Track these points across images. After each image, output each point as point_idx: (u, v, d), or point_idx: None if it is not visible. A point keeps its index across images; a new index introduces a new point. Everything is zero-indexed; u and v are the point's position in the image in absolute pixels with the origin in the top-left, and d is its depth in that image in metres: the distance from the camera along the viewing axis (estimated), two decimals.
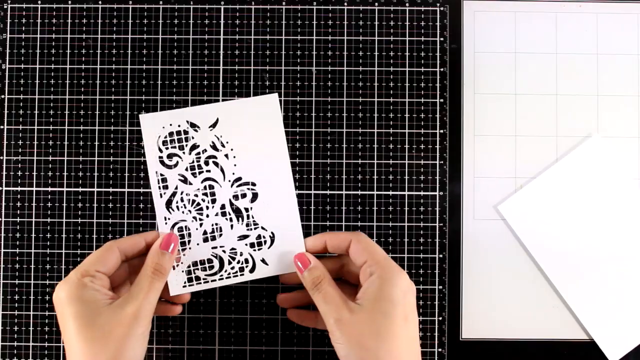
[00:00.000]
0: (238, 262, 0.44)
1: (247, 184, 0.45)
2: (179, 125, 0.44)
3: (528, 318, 0.49)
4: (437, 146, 0.50)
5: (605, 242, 0.49)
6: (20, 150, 0.50)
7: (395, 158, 0.50)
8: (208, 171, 0.44)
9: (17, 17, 0.50)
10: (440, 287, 0.50)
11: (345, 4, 0.51)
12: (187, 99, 0.50)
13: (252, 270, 0.44)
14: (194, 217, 0.44)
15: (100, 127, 0.50)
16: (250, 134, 0.45)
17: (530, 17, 0.51)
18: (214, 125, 0.44)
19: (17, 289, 0.50)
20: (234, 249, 0.44)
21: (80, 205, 0.50)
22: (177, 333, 0.49)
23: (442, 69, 0.51)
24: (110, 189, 0.50)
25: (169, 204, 0.44)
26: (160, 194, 0.44)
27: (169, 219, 0.44)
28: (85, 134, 0.50)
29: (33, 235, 0.50)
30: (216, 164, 0.45)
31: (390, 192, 0.50)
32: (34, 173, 0.50)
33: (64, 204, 0.50)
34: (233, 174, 0.45)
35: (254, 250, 0.45)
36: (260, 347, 0.49)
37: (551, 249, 0.49)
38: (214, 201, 0.44)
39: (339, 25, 0.51)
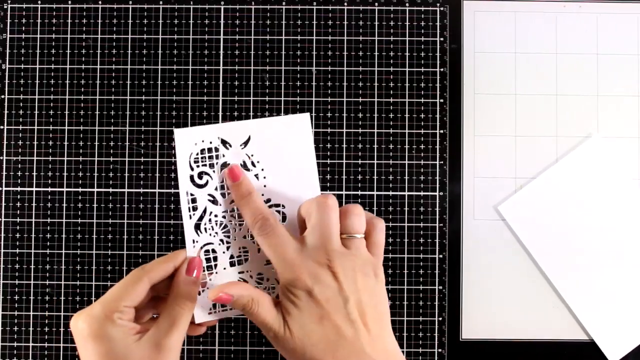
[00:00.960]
0: (265, 288, 0.42)
1: (275, 205, 0.43)
2: (210, 142, 0.42)
3: (528, 318, 0.49)
4: (437, 146, 0.50)
5: (605, 242, 0.49)
6: (20, 150, 0.50)
7: (395, 158, 0.50)
8: None
9: (17, 17, 0.50)
10: (440, 287, 0.50)
11: (345, 4, 0.51)
12: (187, 99, 0.50)
13: (278, 296, 0.42)
14: (221, 240, 0.42)
15: (100, 127, 0.50)
16: (280, 154, 0.43)
17: (530, 17, 0.51)
18: (245, 144, 0.42)
19: (17, 289, 0.50)
20: (261, 273, 0.42)
21: (80, 205, 0.50)
22: None
23: (442, 69, 0.51)
24: (110, 189, 0.50)
25: (197, 225, 0.42)
26: (190, 215, 0.42)
27: (197, 241, 0.42)
28: (85, 134, 0.50)
29: (33, 235, 0.50)
30: None
31: (390, 192, 0.50)
32: (34, 173, 0.50)
33: (64, 204, 0.50)
34: (262, 195, 0.42)
35: None
36: (260, 347, 0.49)
37: (551, 249, 0.49)
38: (241, 223, 0.42)
39: (339, 25, 0.51)
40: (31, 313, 0.49)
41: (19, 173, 0.50)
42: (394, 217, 0.50)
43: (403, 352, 0.49)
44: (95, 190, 0.50)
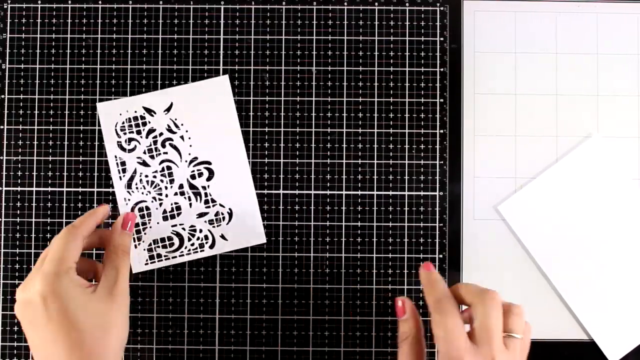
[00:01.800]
0: (198, 238, 0.47)
1: (203, 163, 0.47)
2: (135, 112, 0.47)
3: (528, 318, 0.49)
4: (437, 146, 0.50)
5: (605, 242, 0.49)
6: (20, 150, 0.50)
7: (395, 158, 0.50)
8: (165, 153, 0.47)
9: (17, 17, 0.50)
10: None
11: (345, 4, 0.51)
12: None
13: (212, 246, 0.47)
14: (154, 198, 0.47)
15: (100, 127, 0.50)
16: (203, 115, 0.47)
17: (530, 17, 0.51)
18: (168, 109, 0.47)
19: (17, 289, 0.49)
20: (193, 226, 0.47)
21: (80, 205, 0.50)
22: (177, 333, 0.49)
23: (442, 69, 0.51)
24: (110, 189, 0.50)
25: (129, 185, 0.47)
26: (120, 177, 0.47)
27: (129, 199, 0.47)
28: (85, 134, 0.50)
29: (33, 235, 0.50)
30: (173, 145, 0.47)
31: (390, 192, 0.50)
32: (34, 173, 0.50)
33: (64, 204, 0.50)
34: (189, 154, 0.47)
35: (213, 226, 0.47)
36: (260, 347, 0.49)
37: (551, 248, 0.49)
38: (172, 181, 0.47)
39: (339, 25, 0.51)
40: None
41: (19, 173, 0.50)
42: (394, 217, 0.50)
43: None
44: (95, 190, 0.50)
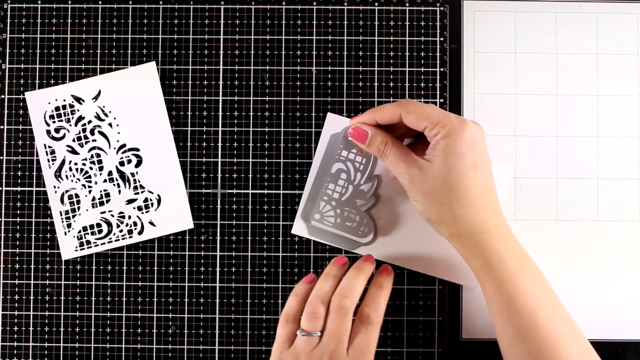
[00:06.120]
0: (127, 225, 0.48)
1: (131, 149, 0.48)
2: (64, 100, 0.48)
3: None
4: None
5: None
6: (20, 150, 0.50)
7: None
8: (94, 140, 0.48)
9: (17, 17, 0.50)
10: (441, 287, 0.50)
11: (345, 4, 0.51)
12: (187, 99, 0.50)
13: (140, 232, 0.48)
14: (83, 185, 0.48)
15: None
16: (131, 102, 0.48)
17: (530, 17, 0.51)
18: (96, 97, 0.48)
19: (17, 289, 0.50)
20: (122, 212, 0.48)
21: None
22: (177, 333, 0.49)
23: (442, 69, 0.51)
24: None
25: (58, 174, 0.48)
26: (49, 165, 0.48)
27: (58, 187, 0.48)
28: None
29: (33, 235, 0.50)
30: (101, 132, 0.48)
31: None
32: (34, 173, 0.50)
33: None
34: (117, 141, 0.48)
35: (142, 213, 0.48)
36: (260, 347, 0.49)
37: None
38: (101, 168, 0.48)
39: (339, 25, 0.51)
40: (31, 313, 0.49)
41: (19, 173, 0.50)
42: None
43: (403, 352, 0.49)
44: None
